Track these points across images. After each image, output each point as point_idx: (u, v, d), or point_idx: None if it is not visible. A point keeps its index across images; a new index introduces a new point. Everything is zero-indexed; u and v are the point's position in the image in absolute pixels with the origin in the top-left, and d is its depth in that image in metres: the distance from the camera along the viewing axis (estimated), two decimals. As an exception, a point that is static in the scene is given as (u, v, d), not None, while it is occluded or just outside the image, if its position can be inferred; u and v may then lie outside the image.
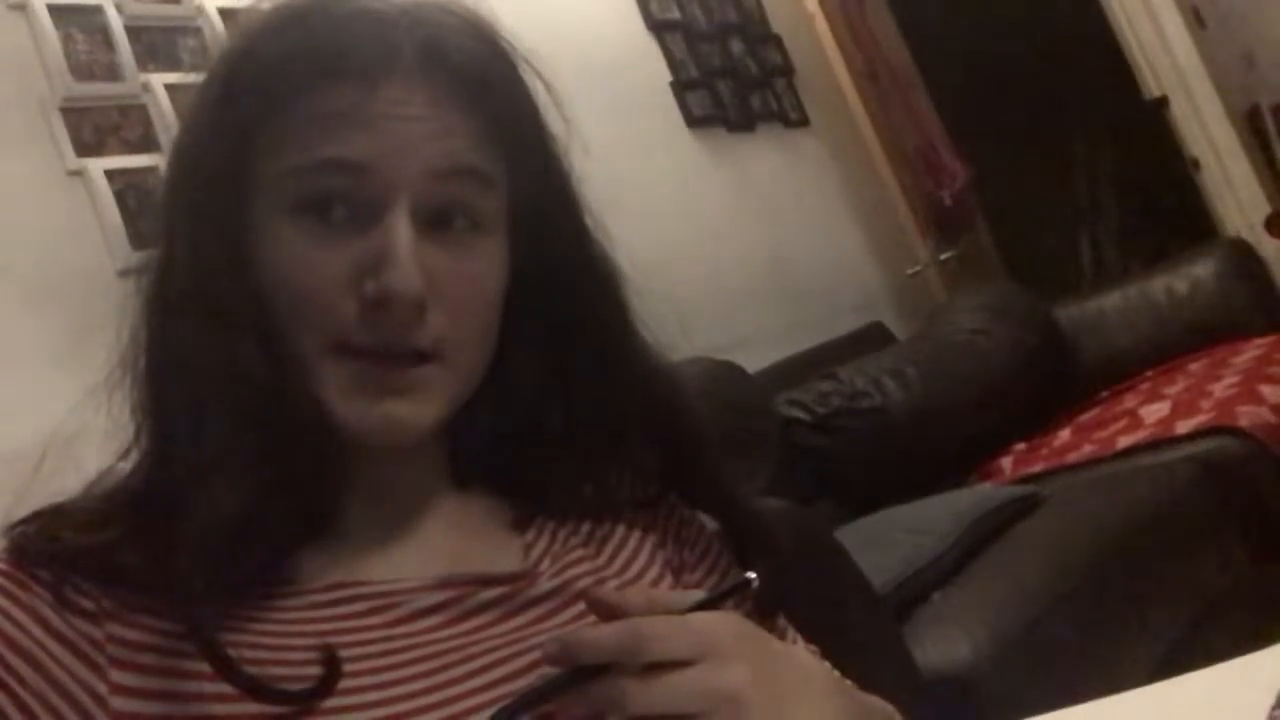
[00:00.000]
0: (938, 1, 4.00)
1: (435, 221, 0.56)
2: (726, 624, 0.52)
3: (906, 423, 2.29)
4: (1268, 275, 2.75)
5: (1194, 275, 2.68)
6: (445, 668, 0.54)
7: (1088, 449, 2.09)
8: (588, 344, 0.64)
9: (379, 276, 0.53)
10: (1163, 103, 3.71)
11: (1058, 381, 2.55)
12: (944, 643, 1.44)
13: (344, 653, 0.52)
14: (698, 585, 0.67)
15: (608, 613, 0.51)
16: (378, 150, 0.54)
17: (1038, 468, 2.13)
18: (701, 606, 0.53)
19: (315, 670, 0.51)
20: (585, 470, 0.66)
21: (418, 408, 0.56)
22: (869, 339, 2.70)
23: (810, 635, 0.68)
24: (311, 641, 0.52)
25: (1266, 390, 2.10)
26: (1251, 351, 2.39)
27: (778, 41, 3.18)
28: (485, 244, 0.58)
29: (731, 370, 2.12)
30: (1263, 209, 3.50)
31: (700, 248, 2.66)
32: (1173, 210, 3.72)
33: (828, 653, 0.67)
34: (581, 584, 0.60)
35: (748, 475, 1.86)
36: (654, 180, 2.62)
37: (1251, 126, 3.69)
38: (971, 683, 1.38)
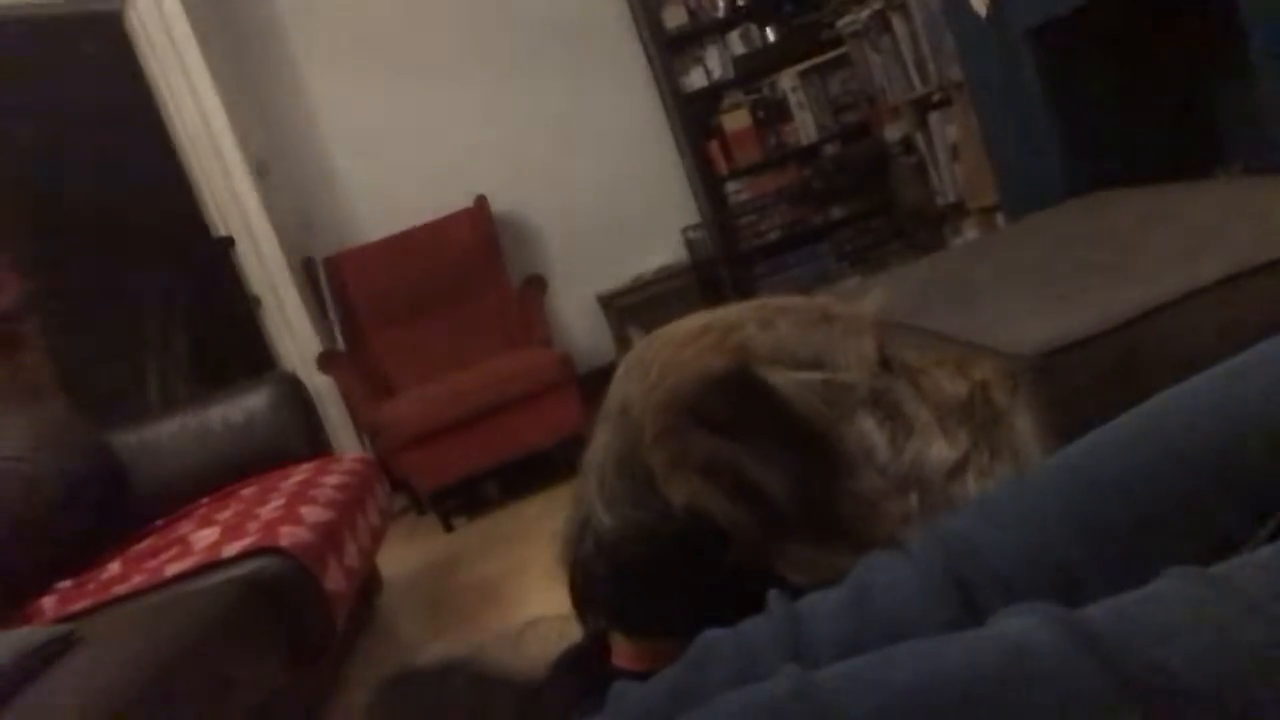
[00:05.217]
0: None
1: None
2: None
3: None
4: (314, 406, 3.04)
5: (250, 405, 2.84)
6: None
7: (137, 580, 2.03)
8: None
9: None
10: (229, 242, 3.94)
11: (110, 512, 2.46)
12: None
13: None
14: None
15: None
16: None
17: (83, 604, 2.00)
18: None
19: None
20: None
21: None
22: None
23: None
24: None
25: (306, 511, 2.30)
26: (298, 476, 2.61)
27: None
28: None
29: None
30: (315, 347, 3.90)
31: None
32: (237, 343, 3.92)
33: None
34: None
35: None
36: None
37: (306, 274, 4.11)
38: None
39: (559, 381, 3.60)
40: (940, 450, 0.70)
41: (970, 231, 3.50)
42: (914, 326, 1.43)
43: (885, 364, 0.77)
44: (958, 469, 0.70)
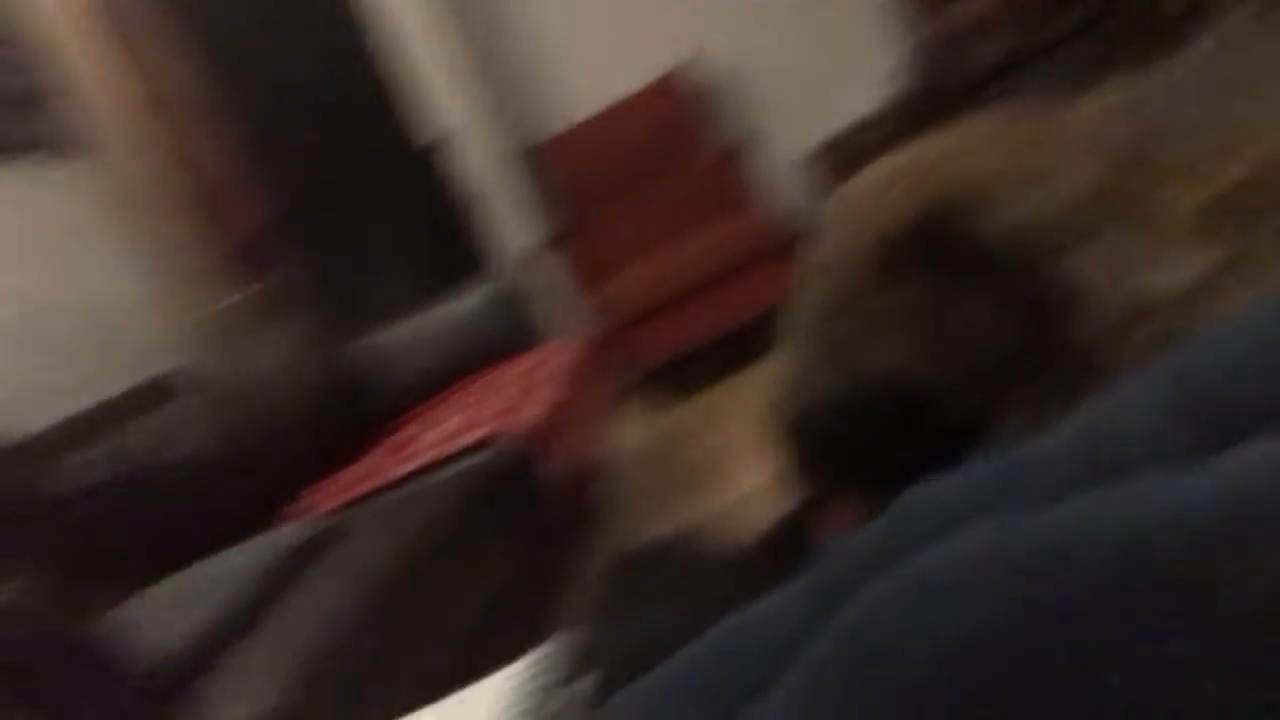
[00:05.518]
0: (235, 33, 3.91)
1: None
2: None
3: (203, 475, 2.18)
4: (535, 295, 3.11)
5: (474, 300, 2.94)
6: None
7: (380, 478, 2.16)
8: None
9: None
10: (442, 141, 4.04)
11: (355, 414, 2.62)
12: (240, 699, 1.38)
13: None
14: None
15: None
16: None
17: (339, 501, 2.15)
18: None
19: None
20: None
21: None
22: (159, 390, 2.51)
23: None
24: None
25: (533, 398, 2.36)
26: (523, 365, 2.69)
27: (31, 61, 2.81)
28: None
29: (-26, 443, 1.82)
30: (532, 236, 3.97)
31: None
32: (457, 239, 4.05)
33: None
34: None
35: (4, 560, 1.61)
36: None
37: (520, 163, 4.16)
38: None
39: (771, 249, 3.51)
40: (1173, 273, 0.60)
41: (1220, 25, 3.10)
42: (1155, 133, 1.26)
43: (1111, 184, 0.67)
44: (1196, 290, 0.60)
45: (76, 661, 1.18)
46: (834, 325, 0.73)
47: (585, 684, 0.57)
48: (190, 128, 3.31)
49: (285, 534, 1.93)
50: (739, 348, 3.57)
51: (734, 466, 2.58)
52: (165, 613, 1.64)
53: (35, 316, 2.48)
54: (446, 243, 4.06)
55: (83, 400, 2.35)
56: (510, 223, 4.02)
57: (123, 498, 2.07)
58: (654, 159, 4.14)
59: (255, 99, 3.85)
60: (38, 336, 2.46)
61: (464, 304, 2.89)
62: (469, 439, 2.13)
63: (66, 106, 2.84)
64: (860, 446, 0.75)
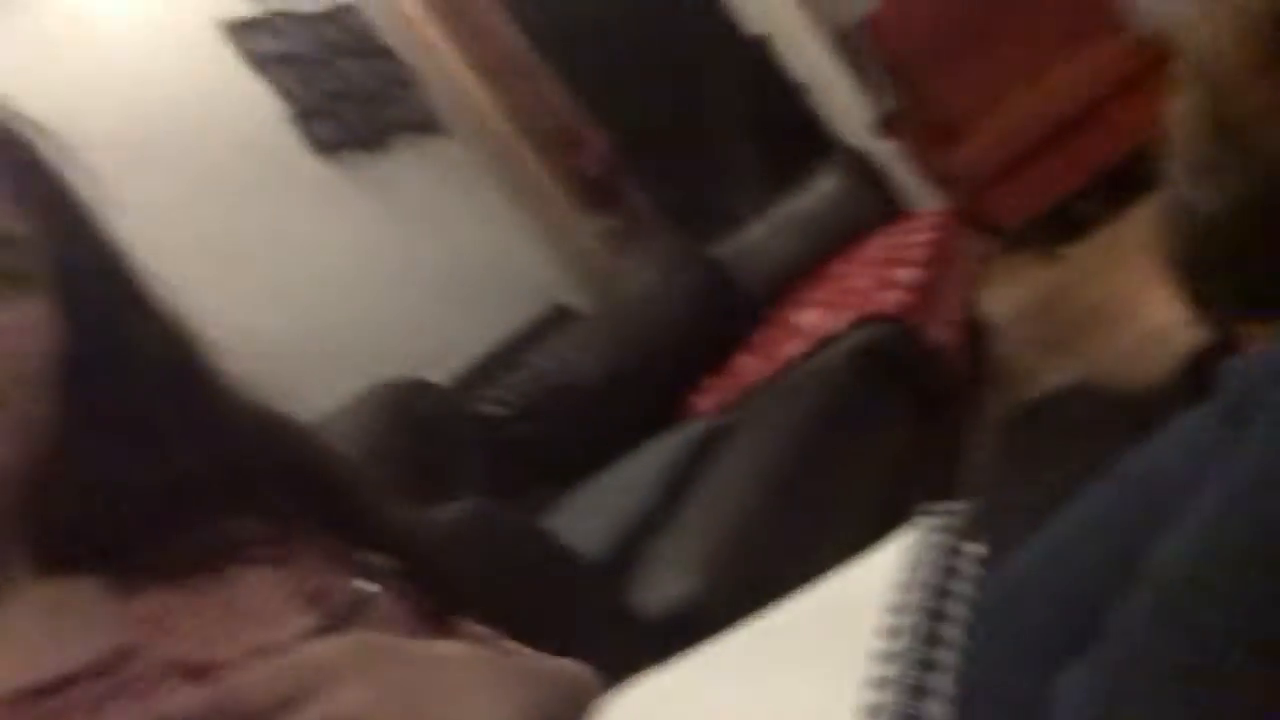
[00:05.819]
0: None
1: None
2: (339, 647, 0.51)
3: (602, 390, 2.37)
4: (881, 174, 3.03)
5: (822, 188, 2.92)
6: None
7: (764, 367, 2.23)
8: (164, 404, 0.62)
9: None
10: (766, 38, 4.00)
11: (727, 313, 2.71)
12: (664, 584, 1.51)
13: None
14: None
15: (200, 673, 0.50)
16: None
17: (727, 396, 2.26)
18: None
19: None
20: (194, 525, 0.64)
21: None
22: (553, 322, 2.76)
23: (506, 620, 0.70)
24: None
25: (899, 274, 2.33)
26: (882, 243, 2.64)
27: (390, 53, 3.15)
28: (21, 301, 0.55)
29: (415, 387, 2.11)
30: (870, 113, 3.84)
31: (362, 274, 2.62)
32: (793, 133, 4.01)
33: (524, 634, 0.68)
34: (190, 648, 0.57)
35: (451, 483, 1.87)
36: (292, 217, 2.54)
37: (847, 44, 4.03)
38: (697, 610, 1.46)
39: (1141, 69, 3.15)
40: None
41: None
42: None
43: None
44: None
45: (534, 556, 1.35)
46: (1216, 130, 0.65)
47: (983, 544, 0.57)
48: (523, 82, 3.53)
49: (687, 432, 2.06)
50: (1125, 184, 3.25)
51: (1130, 308, 2.39)
52: (590, 512, 1.83)
53: (437, 276, 2.80)
54: (789, 132, 4.03)
55: (492, 340, 2.64)
56: (850, 102, 3.91)
57: (540, 417, 2.31)
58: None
59: (579, 32, 4.00)
60: (441, 293, 2.78)
61: (816, 190, 2.89)
62: (845, 320, 2.15)
63: (422, 89, 3.14)
64: (1261, 258, 0.67)
